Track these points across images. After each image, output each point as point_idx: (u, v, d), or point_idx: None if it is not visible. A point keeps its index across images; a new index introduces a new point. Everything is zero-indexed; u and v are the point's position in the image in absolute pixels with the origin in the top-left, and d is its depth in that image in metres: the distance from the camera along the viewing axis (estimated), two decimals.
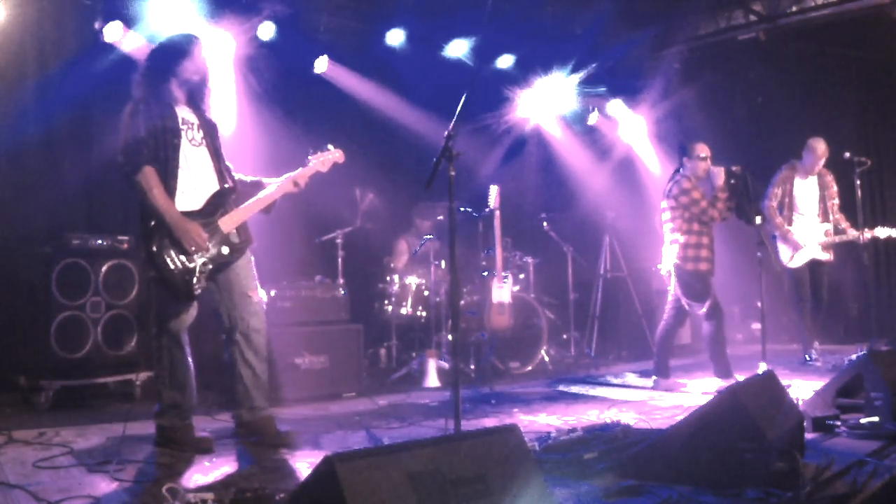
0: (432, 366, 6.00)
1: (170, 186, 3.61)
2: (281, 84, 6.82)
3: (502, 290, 6.45)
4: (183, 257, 3.56)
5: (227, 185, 3.80)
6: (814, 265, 6.63)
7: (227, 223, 3.73)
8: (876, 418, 3.68)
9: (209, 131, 3.86)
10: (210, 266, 3.64)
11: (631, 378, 6.18)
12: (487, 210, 6.48)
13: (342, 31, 7.10)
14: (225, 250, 3.70)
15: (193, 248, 3.57)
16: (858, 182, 6.39)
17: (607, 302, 7.97)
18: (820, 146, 6.58)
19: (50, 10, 5.71)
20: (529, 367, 6.77)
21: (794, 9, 7.82)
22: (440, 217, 6.89)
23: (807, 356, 6.54)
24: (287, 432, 3.86)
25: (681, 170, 5.53)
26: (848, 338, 8.05)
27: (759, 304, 6.32)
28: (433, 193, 3.50)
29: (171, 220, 3.54)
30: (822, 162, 6.62)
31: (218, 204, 3.74)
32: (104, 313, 5.13)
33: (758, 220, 5.17)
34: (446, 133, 3.36)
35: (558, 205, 8.62)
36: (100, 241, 5.22)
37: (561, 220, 8.08)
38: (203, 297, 3.71)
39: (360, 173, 6.28)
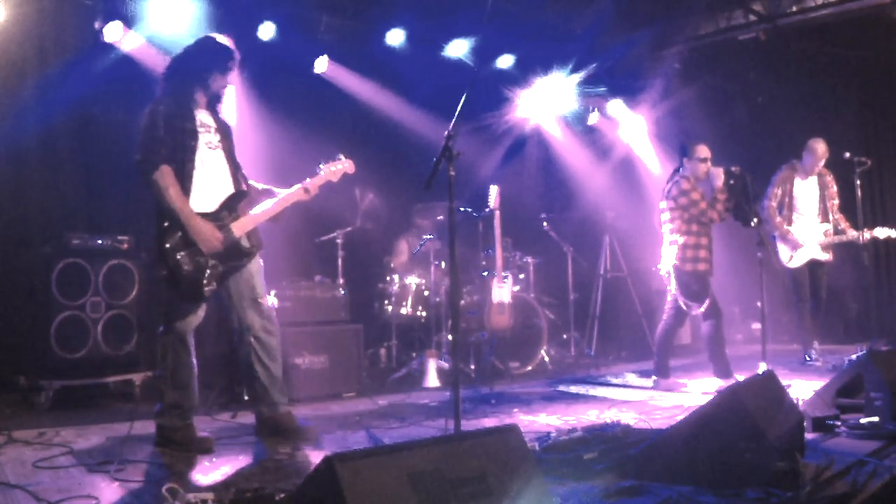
0: (432, 366, 6.00)
1: (185, 188, 3.64)
2: (281, 84, 6.81)
3: (502, 290, 6.45)
4: (195, 258, 3.59)
5: (241, 189, 3.84)
6: (813, 265, 6.63)
7: (240, 227, 3.76)
8: (876, 418, 3.67)
9: (225, 135, 3.90)
10: (221, 268, 3.67)
11: (631, 378, 6.18)
12: (487, 210, 6.48)
13: (342, 31, 7.10)
14: (236, 254, 3.73)
15: (207, 250, 3.59)
16: (858, 182, 6.39)
17: (607, 302, 7.97)
18: (820, 147, 6.58)
19: (50, 10, 5.71)
20: (529, 367, 6.77)
21: (794, 9, 7.82)
22: (440, 217, 6.89)
23: (807, 356, 6.54)
24: (308, 427, 3.91)
25: (680, 170, 5.52)
26: (848, 338, 8.04)
27: (759, 304, 6.32)
28: (433, 193, 3.50)
29: (186, 220, 3.57)
30: (822, 163, 6.62)
31: (231, 207, 3.77)
32: (104, 313, 5.13)
33: (754, 222, 5.16)
34: (446, 133, 3.36)
35: (558, 205, 8.62)
36: (100, 241, 5.22)
37: (561, 220, 8.08)
38: (210, 298, 3.72)
39: (360, 173, 6.21)
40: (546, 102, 8.54)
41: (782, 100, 9.03)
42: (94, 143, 5.84)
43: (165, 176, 3.58)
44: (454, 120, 3.37)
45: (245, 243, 3.79)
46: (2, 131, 5.38)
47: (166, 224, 3.59)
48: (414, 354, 6.50)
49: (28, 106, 5.55)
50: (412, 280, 6.66)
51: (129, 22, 5.83)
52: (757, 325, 8.51)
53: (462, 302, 6.53)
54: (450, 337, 6.15)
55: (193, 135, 3.70)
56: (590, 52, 8.11)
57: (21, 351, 5.13)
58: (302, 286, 5.49)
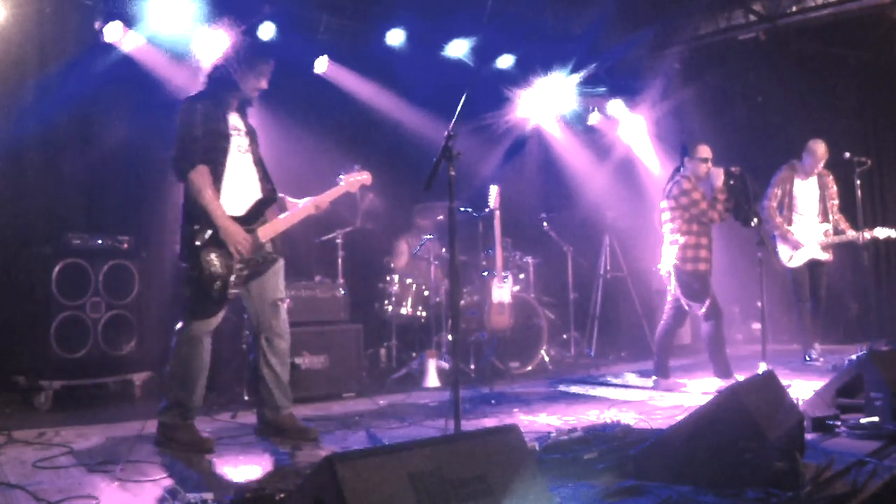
0: (432, 366, 6.00)
1: (216, 189, 3.67)
2: (280, 84, 6.79)
3: (502, 290, 6.45)
4: (225, 260, 3.62)
5: (268, 195, 3.88)
6: (813, 265, 6.63)
7: (266, 232, 3.81)
8: (876, 418, 3.67)
9: (253, 139, 3.94)
10: (246, 272, 3.72)
11: (631, 378, 6.18)
12: (487, 210, 6.48)
13: (342, 31, 7.10)
14: (261, 258, 3.79)
15: (235, 253, 3.63)
16: (858, 182, 6.39)
17: (607, 302, 7.97)
18: (819, 148, 6.59)
19: (50, 10, 5.70)
20: (529, 367, 6.77)
21: (794, 9, 7.82)
22: (440, 217, 6.89)
23: (807, 356, 6.54)
24: (309, 428, 3.94)
25: (681, 169, 5.52)
26: (848, 338, 8.04)
27: (759, 304, 6.32)
28: (433, 193, 3.50)
29: (219, 222, 3.60)
30: (822, 164, 6.62)
31: (259, 212, 3.81)
32: (104, 313, 5.14)
33: (753, 222, 5.16)
34: (446, 133, 3.36)
35: (558, 205, 8.62)
36: (100, 241, 5.23)
37: (561, 220, 8.08)
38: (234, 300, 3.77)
39: None
40: (546, 102, 8.54)
41: (782, 100, 9.03)
42: (94, 143, 5.84)
43: (202, 176, 3.62)
44: (454, 120, 3.36)
45: (270, 248, 3.84)
46: (2, 131, 5.38)
47: (197, 226, 3.62)
48: (414, 354, 6.49)
49: (28, 106, 5.55)
50: (412, 280, 6.65)
51: (129, 22, 5.83)
52: (757, 325, 8.51)
53: (462, 302, 6.53)
54: (450, 337, 6.15)
55: (226, 137, 3.75)
56: (590, 52, 8.10)
57: (21, 351, 5.13)
58: (302, 286, 5.49)
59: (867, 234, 6.31)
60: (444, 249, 6.69)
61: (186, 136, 3.65)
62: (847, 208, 6.66)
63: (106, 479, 3.13)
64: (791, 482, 2.68)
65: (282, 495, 2.64)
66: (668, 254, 5.47)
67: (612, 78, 8.84)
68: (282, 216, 3.92)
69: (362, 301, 6.73)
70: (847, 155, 6.38)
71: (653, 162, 9.38)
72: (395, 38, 7.24)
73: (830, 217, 6.63)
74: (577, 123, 9.14)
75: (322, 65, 6.94)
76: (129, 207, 6.03)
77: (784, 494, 2.59)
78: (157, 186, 5.92)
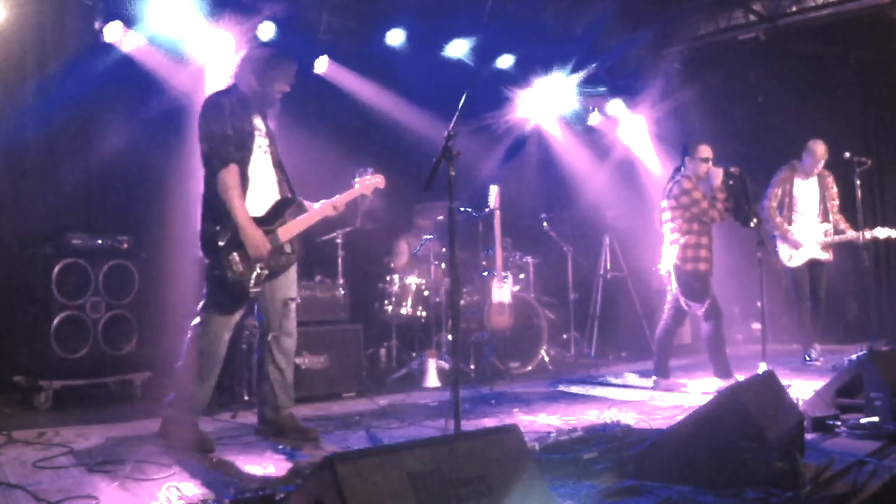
0: (432, 366, 6.00)
1: (242, 189, 3.71)
2: None
3: (502, 290, 6.45)
4: (246, 260, 3.67)
5: (287, 196, 3.93)
6: (813, 265, 6.64)
7: (285, 233, 3.85)
8: (876, 418, 3.67)
9: (272, 140, 3.98)
10: (266, 272, 3.76)
11: (631, 378, 6.18)
12: (487, 210, 6.48)
13: (342, 31, 7.10)
14: (280, 259, 3.83)
15: (254, 254, 3.67)
16: (858, 182, 6.39)
17: (607, 302, 7.97)
18: (819, 148, 6.59)
19: (50, 10, 5.71)
20: (529, 367, 6.77)
21: (794, 9, 7.82)
22: (440, 217, 6.89)
23: (807, 356, 6.54)
24: (309, 427, 3.95)
25: (682, 169, 5.52)
26: (848, 338, 8.04)
27: (759, 304, 6.32)
28: (433, 193, 3.50)
29: (242, 223, 3.64)
30: (822, 164, 6.63)
31: (279, 213, 3.85)
32: (104, 313, 5.13)
33: (752, 223, 5.16)
34: (446, 133, 3.36)
35: (558, 205, 8.62)
36: (100, 241, 5.23)
37: (561, 220, 8.08)
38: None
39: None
40: (546, 102, 8.54)
41: (782, 100, 9.03)
42: (94, 143, 5.83)
43: (233, 175, 3.66)
44: (454, 120, 3.36)
45: (287, 249, 3.88)
46: (2, 131, 5.39)
47: (218, 226, 3.66)
48: (414, 354, 6.49)
49: (28, 106, 5.56)
50: (412, 280, 6.66)
51: (129, 22, 5.83)
52: (757, 325, 8.51)
53: (462, 302, 6.53)
54: (450, 337, 6.15)
55: (251, 136, 3.79)
56: (590, 52, 8.11)
57: (21, 351, 5.13)
58: (302, 286, 5.48)
59: (867, 234, 6.31)
60: (444, 249, 6.69)
61: (217, 133, 3.67)
62: (847, 208, 6.66)
63: (106, 479, 3.13)
64: (791, 482, 2.69)
65: (282, 495, 2.64)
66: (668, 254, 5.47)
67: (612, 78, 8.84)
68: (299, 217, 3.95)
69: (362, 301, 6.72)
70: (847, 155, 6.38)
71: (653, 162, 9.38)
72: (395, 38, 7.24)
73: (831, 217, 6.63)
74: (577, 123, 9.14)
75: (322, 65, 6.94)
76: (129, 207, 6.02)
77: (784, 494, 2.59)
78: (156, 186, 5.93)
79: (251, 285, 3.69)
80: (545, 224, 7.78)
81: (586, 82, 8.51)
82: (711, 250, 5.43)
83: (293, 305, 4.00)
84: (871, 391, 3.75)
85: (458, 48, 7.63)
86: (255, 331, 4.62)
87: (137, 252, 5.42)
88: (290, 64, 3.95)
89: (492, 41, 7.68)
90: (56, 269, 4.94)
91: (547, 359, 6.97)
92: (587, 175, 9.06)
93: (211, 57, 6.17)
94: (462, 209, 6.44)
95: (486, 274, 6.56)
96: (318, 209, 4.00)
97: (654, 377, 5.63)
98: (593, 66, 8.26)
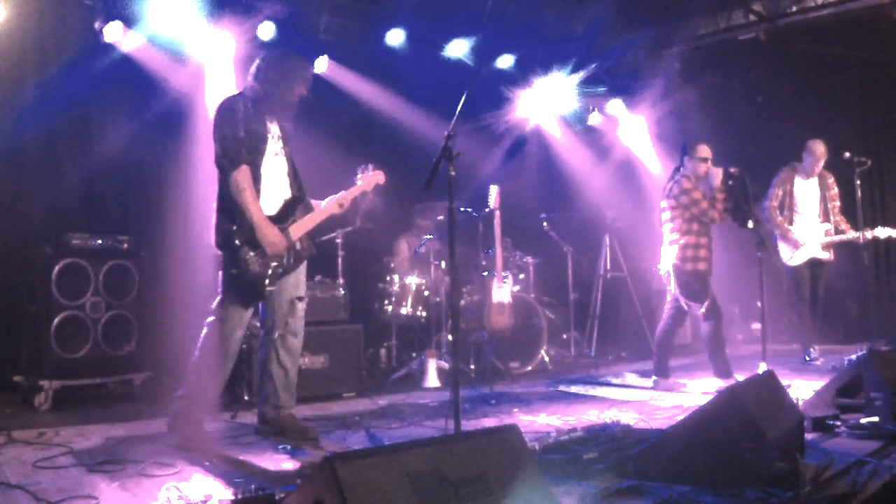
0: (432, 366, 6.00)
1: (255, 189, 3.76)
2: None
3: (502, 290, 6.45)
4: (261, 258, 3.74)
5: (298, 194, 3.98)
6: (814, 265, 6.64)
7: (296, 231, 3.90)
8: (876, 418, 3.67)
9: (286, 142, 4.02)
10: (280, 270, 3.82)
11: (631, 378, 6.18)
12: (487, 210, 6.48)
13: (342, 31, 7.10)
14: (292, 257, 3.89)
15: (271, 252, 3.73)
16: (858, 182, 6.39)
17: (607, 302, 7.97)
18: (819, 148, 6.59)
19: (50, 10, 5.71)
20: (529, 367, 6.77)
21: (794, 9, 7.82)
22: (440, 217, 6.89)
23: (807, 356, 6.54)
24: (309, 427, 3.95)
25: (681, 169, 5.52)
26: (848, 338, 8.04)
27: (759, 304, 6.32)
28: (433, 193, 3.51)
29: (257, 222, 3.70)
30: (822, 163, 6.63)
31: (290, 212, 3.90)
32: (104, 313, 5.14)
33: (750, 224, 5.16)
34: (446, 133, 3.36)
35: (558, 205, 8.62)
36: (100, 241, 5.23)
37: (561, 220, 8.08)
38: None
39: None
40: (546, 102, 8.54)
41: (782, 100, 9.03)
42: (94, 143, 5.83)
43: (245, 176, 3.71)
44: (454, 120, 3.36)
45: (298, 247, 3.93)
46: (2, 131, 5.39)
47: (234, 226, 3.71)
48: (414, 354, 6.49)
49: (28, 106, 5.56)
50: (412, 280, 6.65)
51: (129, 22, 5.83)
52: (757, 325, 8.51)
53: (462, 302, 6.53)
54: (450, 337, 6.15)
55: (264, 139, 3.84)
56: (590, 52, 8.11)
57: (21, 351, 5.13)
58: None
59: (867, 234, 6.31)
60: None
61: (229, 135, 3.72)
62: (847, 208, 6.66)
63: (106, 479, 3.13)
64: (791, 482, 2.68)
65: (282, 495, 2.64)
66: (667, 254, 5.47)
67: (612, 78, 8.84)
68: (308, 215, 3.99)
69: (362, 301, 6.72)
70: (847, 155, 6.39)
71: (653, 162, 9.38)
72: (395, 38, 7.24)
73: (831, 217, 6.63)
74: (577, 123, 9.14)
75: (322, 65, 6.94)
76: (129, 207, 6.03)
77: (784, 494, 2.59)
78: (156, 186, 5.93)
79: (267, 283, 3.75)
80: (545, 224, 7.78)
81: (586, 82, 8.51)
82: (711, 250, 5.43)
83: (301, 305, 4.03)
84: (871, 391, 3.75)
85: (458, 48, 7.63)
86: (256, 331, 4.64)
87: (137, 252, 5.42)
88: (308, 67, 4.00)
89: (492, 41, 7.68)
90: (56, 269, 4.94)
91: (547, 359, 6.97)
92: (587, 175, 9.06)
93: (211, 57, 6.17)
94: (462, 209, 6.44)
95: (486, 274, 6.55)
96: (325, 207, 4.05)
97: (654, 377, 5.62)
98: (593, 66, 8.27)
